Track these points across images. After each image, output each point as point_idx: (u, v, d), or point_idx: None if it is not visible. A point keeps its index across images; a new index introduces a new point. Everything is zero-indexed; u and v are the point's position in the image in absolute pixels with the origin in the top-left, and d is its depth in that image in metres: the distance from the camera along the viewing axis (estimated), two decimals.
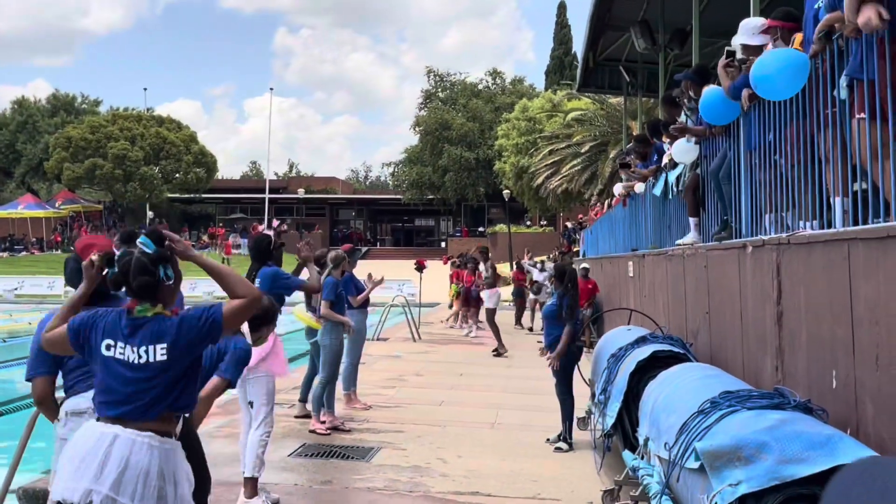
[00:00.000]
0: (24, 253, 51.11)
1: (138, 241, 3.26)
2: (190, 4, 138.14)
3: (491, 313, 16.44)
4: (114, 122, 56.53)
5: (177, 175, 57.56)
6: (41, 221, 54.23)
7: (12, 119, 65.54)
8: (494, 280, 17.55)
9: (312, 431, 8.37)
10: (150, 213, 56.02)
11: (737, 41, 6.38)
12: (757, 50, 5.92)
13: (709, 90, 6.64)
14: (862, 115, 3.97)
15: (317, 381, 8.72)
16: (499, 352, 15.37)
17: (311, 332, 9.19)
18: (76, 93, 71.51)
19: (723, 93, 6.30)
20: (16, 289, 34.14)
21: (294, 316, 8.94)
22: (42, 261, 45.64)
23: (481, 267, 18.13)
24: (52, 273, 36.43)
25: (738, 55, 6.41)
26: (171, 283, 3.27)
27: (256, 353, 6.02)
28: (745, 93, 5.87)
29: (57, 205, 54.77)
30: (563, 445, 7.83)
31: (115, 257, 3.32)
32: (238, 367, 4.46)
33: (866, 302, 3.67)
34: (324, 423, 8.47)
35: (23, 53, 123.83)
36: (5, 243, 53.04)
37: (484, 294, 17.22)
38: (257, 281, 6.67)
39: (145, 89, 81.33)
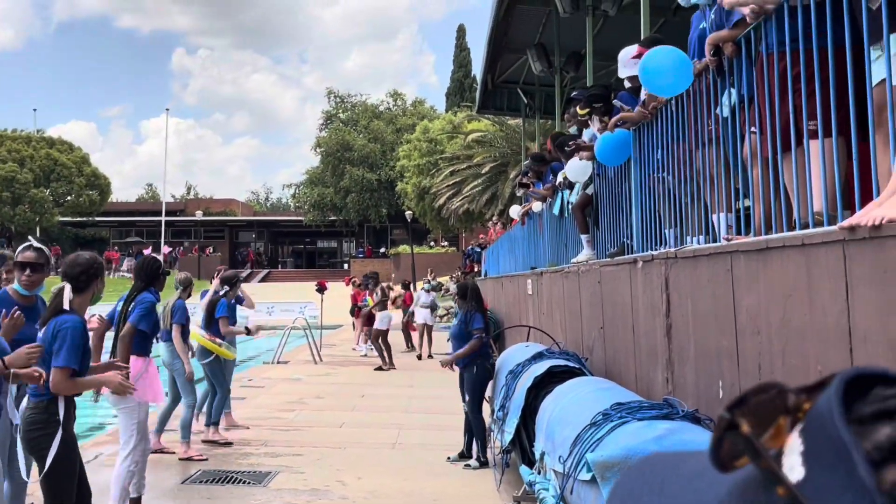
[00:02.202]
0: None
1: None
2: (84, 24, 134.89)
3: (379, 334, 16.81)
4: (1, 144, 54.42)
5: (68, 198, 55.74)
6: None
7: None
8: (385, 303, 17.92)
9: (187, 459, 8.05)
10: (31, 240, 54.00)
11: (621, 74, 6.64)
12: (634, 79, 6.13)
13: (603, 136, 6.77)
14: (753, 129, 4.10)
15: (184, 406, 8.43)
16: (382, 367, 16.20)
17: (203, 352, 9.04)
18: None
19: (615, 137, 6.46)
20: None
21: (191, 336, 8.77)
22: None
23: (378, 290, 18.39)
24: None
25: (626, 84, 6.67)
26: None
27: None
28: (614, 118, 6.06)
29: None
30: (474, 463, 7.83)
31: None
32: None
33: (748, 312, 3.79)
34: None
35: None
36: None
37: (378, 315, 17.42)
38: (137, 308, 6.38)
39: (35, 110, 78.17)
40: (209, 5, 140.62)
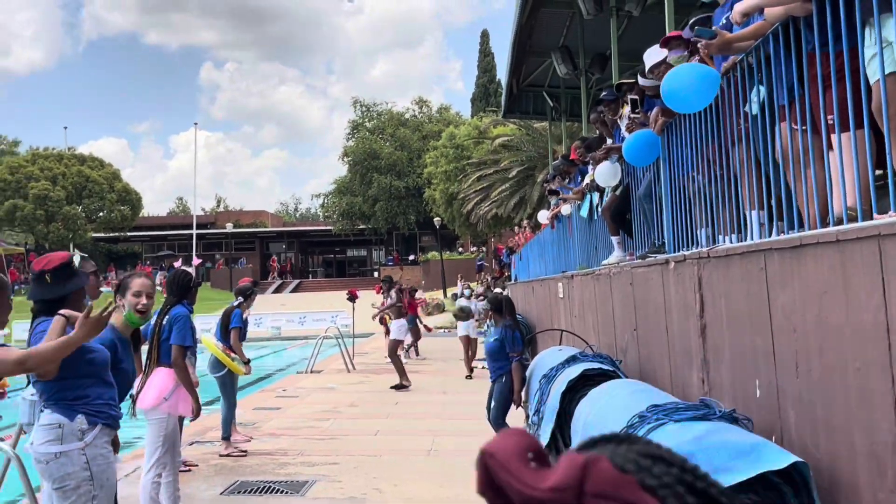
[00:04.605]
0: None
1: None
2: (113, 42, 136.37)
3: (395, 345, 15.02)
4: (34, 163, 55.19)
5: (100, 214, 56.42)
6: None
7: None
8: (399, 309, 15.76)
9: (226, 456, 8.76)
10: (76, 254, 54.62)
11: (643, 80, 6.62)
12: (661, 65, 6.09)
13: (633, 135, 6.74)
14: (794, 125, 4.07)
15: (224, 407, 9.15)
16: (401, 384, 14.34)
17: (216, 365, 9.13)
18: None
19: (643, 136, 6.43)
20: None
21: (203, 344, 8.85)
22: None
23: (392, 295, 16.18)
24: None
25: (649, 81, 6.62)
26: None
27: (156, 392, 5.94)
28: (654, 112, 6.01)
29: None
30: None
31: None
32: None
33: (783, 310, 3.75)
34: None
35: None
36: None
37: (392, 325, 15.44)
38: (175, 325, 6.44)
39: (66, 128, 79.82)
40: (235, 19, 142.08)
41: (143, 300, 4.67)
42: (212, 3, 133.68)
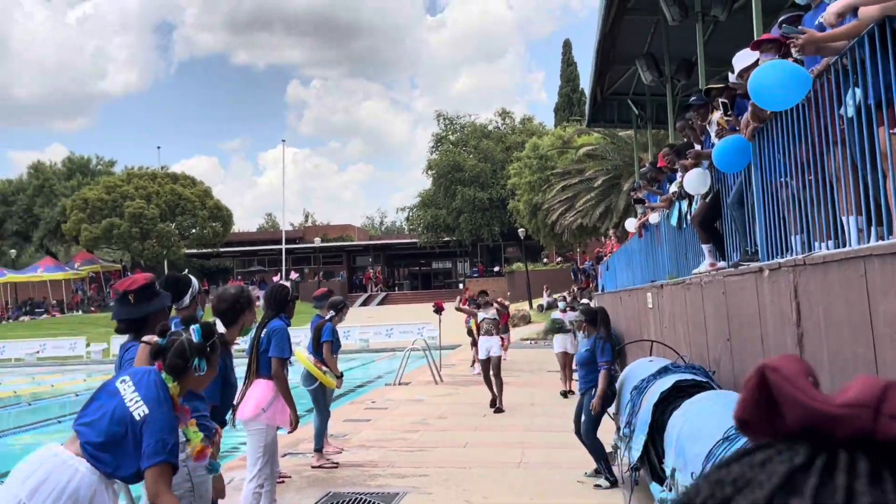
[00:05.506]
0: (44, 316, 51.43)
1: (192, 326, 3.47)
2: (203, 63, 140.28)
3: (484, 366, 13.90)
4: (129, 182, 57.03)
5: (193, 230, 57.94)
6: (60, 283, 54.68)
7: (29, 184, 66.26)
8: (498, 325, 14.49)
9: (318, 467, 8.98)
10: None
11: (733, 77, 6.48)
12: (751, 68, 5.97)
13: (723, 141, 6.63)
14: (893, 129, 3.95)
15: (317, 419, 9.34)
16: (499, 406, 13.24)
17: (309, 378, 9.24)
18: (91, 155, 72.36)
19: (734, 141, 6.30)
20: (37, 352, 34.19)
21: (296, 357, 8.97)
22: (63, 323, 45.92)
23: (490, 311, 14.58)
24: (74, 335, 36.59)
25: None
26: (201, 373, 3.43)
27: (255, 403, 6.07)
28: (744, 118, 5.89)
29: (76, 266, 55.23)
30: (604, 482, 7.73)
31: (168, 332, 3.46)
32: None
33: (885, 318, 3.63)
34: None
35: (40, 119, 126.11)
36: (26, 307, 53.43)
37: (491, 341, 13.84)
38: (273, 338, 6.60)
39: (158, 147, 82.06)
40: (321, 37, 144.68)
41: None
42: (298, 22, 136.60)
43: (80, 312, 52.26)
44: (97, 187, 56.56)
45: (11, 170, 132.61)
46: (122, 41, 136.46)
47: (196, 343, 3.38)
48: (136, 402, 3.26)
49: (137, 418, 3.22)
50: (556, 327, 15.89)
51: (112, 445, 3.21)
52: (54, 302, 53.67)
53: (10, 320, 50.78)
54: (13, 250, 64.04)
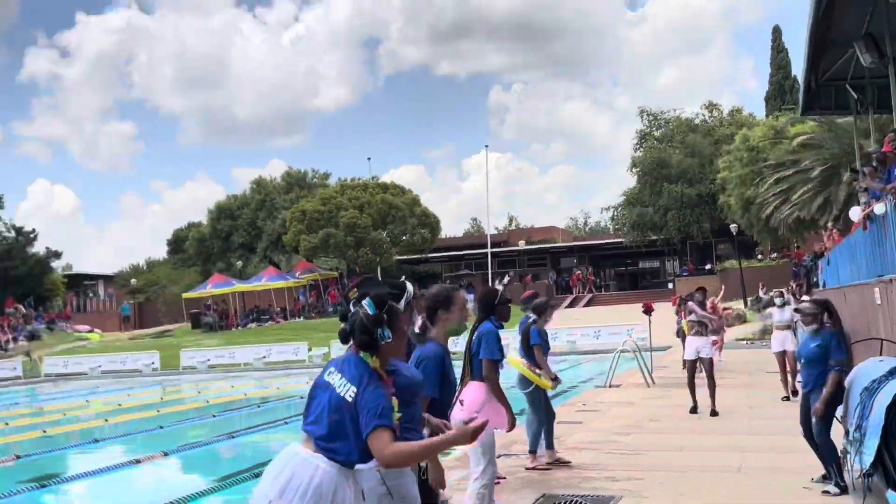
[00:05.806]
0: (269, 322, 54.74)
1: (363, 301, 3.52)
2: (408, 76, 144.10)
3: (689, 368, 13.31)
4: (343, 193, 59.59)
5: (403, 237, 59.80)
6: (283, 292, 58.04)
7: (252, 198, 70.63)
8: (699, 325, 13.22)
9: (532, 469, 9.05)
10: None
11: None
12: None
13: None
14: None
15: (534, 421, 9.38)
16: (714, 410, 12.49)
17: (524, 381, 9.29)
18: (307, 168, 76.23)
19: None
20: (264, 356, 36.38)
21: (507, 361, 9.05)
22: (286, 328, 48.70)
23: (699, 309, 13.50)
24: (297, 340, 38.70)
25: None
26: (389, 341, 3.51)
27: (471, 405, 6.19)
28: None
29: (297, 275, 58.46)
30: (833, 488, 7.30)
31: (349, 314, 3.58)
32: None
33: None
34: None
35: (260, 137, 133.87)
36: (253, 314, 57.12)
37: (701, 341, 13.00)
38: (483, 341, 6.72)
39: (369, 159, 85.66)
40: (521, 42, 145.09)
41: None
42: (497, 28, 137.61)
43: (302, 319, 55.26)
44: (314, 199, 59.52)
45: (236, 186, 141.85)
46: (331, 59, 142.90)
47: (371, 315, 3.47)
48: (345, 385, 3.43)
49: (350, 400, 3.38)
50: (766, 304, 14.75)
51: (337, 433, 3.39)
52: (278, 309, 56.99)
53: (239, 327, 54.40)
54: (240, 262, 68.55)
